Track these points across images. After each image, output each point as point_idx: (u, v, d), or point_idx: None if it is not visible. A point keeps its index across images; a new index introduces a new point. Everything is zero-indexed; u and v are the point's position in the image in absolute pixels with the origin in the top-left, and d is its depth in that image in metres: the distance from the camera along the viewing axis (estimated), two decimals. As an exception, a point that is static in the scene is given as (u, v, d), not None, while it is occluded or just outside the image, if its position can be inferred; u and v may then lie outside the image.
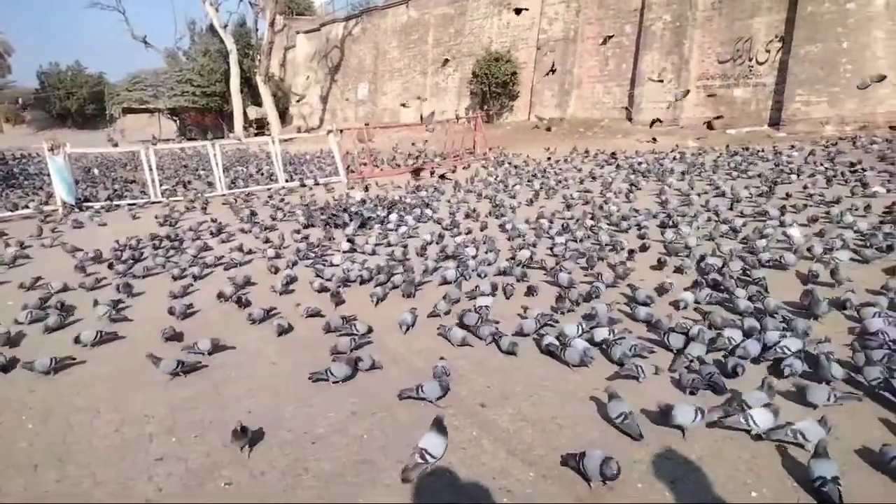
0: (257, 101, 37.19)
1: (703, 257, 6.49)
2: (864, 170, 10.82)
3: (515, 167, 15.67)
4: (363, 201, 11.33)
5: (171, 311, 5.53)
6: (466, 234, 8.45)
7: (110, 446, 3.48)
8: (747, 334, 4.40)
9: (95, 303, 5.69)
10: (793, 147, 14.33)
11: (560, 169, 14.75)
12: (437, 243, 7.94)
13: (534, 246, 7.47)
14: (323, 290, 6.17)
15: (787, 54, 16.98)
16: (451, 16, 28.92)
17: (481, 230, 8.88)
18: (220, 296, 6.06)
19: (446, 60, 29.03)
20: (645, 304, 5.21)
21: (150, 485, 3.11)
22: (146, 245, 8.63)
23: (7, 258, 8.00)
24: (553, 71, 20.53)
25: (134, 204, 12.99)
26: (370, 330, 5.02)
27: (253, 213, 10.78)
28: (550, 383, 4.04)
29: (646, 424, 3.44)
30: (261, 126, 36.93)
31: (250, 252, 8.00)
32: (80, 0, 49.03)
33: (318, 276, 6.57)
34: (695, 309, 5.23)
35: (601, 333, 4.53)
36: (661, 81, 19.39)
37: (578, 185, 12.20)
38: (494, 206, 10.40)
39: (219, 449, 3.39)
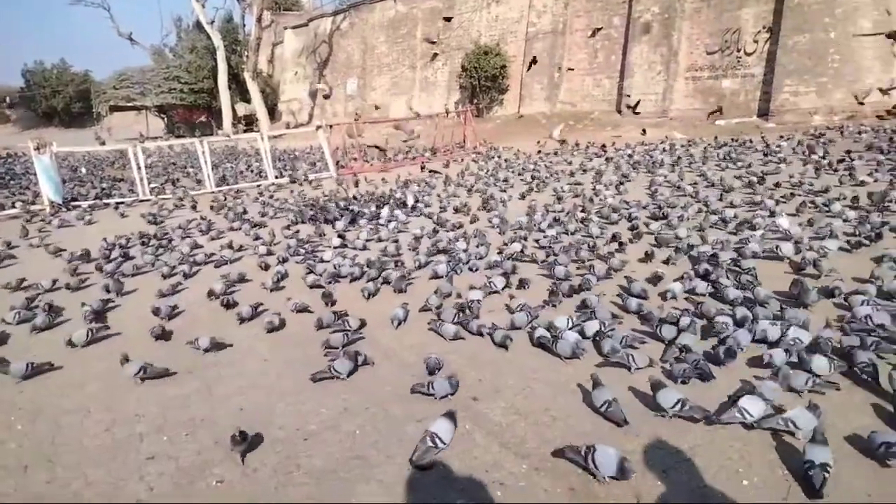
0: (246, 98, 36.95)
1: (691, 247, 6.53)
2: (852, 159, 10.89)
3: (506, 161, 15.66)
4: (352, 198, 11.22)
5: (155, 312, 5.47)
6: (457, 228, 8.43)
7: (101, 446, 3.46)
8: (739, 324, 4.42)
9: (84, 305, 5.65)
10: (781, 137, 14.39)
11: (550, 162, 14.75)
12: (428, 238, 7.93)
13: (524, 239, 7.47)
14: (315, 286, 6.15)
15: (775, 45, 17.04)
16: (439, 9, 28.80)
17: (471, 222, 8.89)
18: (211, 294, 6.02)
19: (435, 55, 28.93)
20: (638, 297, 5.23)
21: (141, 484, 3.09)
22: (135, 244, 8.56)
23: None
24: (534, 61, 20.43)
25: (122, 202, 12.89)
26: (362, 325, 5.01)
27: (244, 211, 10.71)
28: (542, 376, 4.04)
29: (638, 415, 3.45)
30: (249, 122, 36.68)
31: (241, 249, 7.96)
32: (64, -3, 48.42)
33: (310, 271, 6.55)
34: (685, 299, 5.26)
35: (592, 326, 4.54)
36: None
37: (569, 178, 12.20)
38: (485, 199, 10.40)
39: (210, 447, 3.37)
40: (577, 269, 6.32)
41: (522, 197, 10.60)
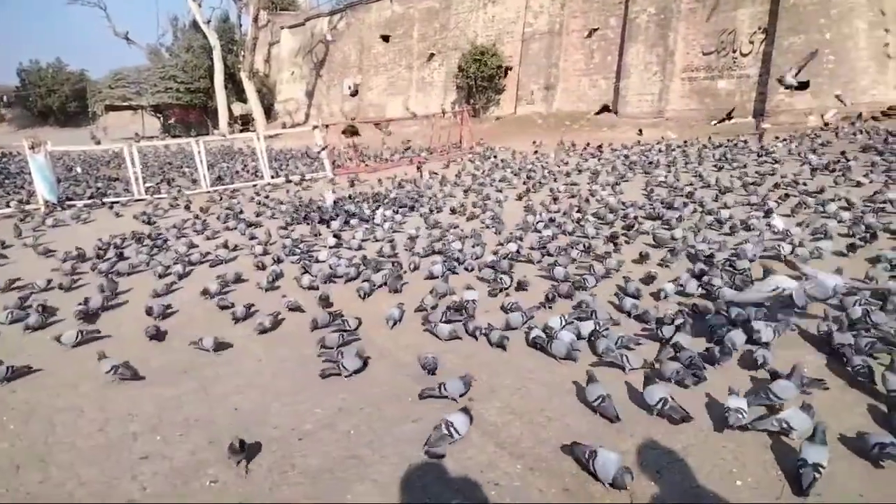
0: (242, 98, 36.90)
1: (692, 246, 6.55)
2: (847, 160, 10.92)
3: (502, 161, 15.66)
4: (336, 202, 11.04)
5: (148, 312, 5.45)
6: (453, 228, 8.43)
7: (94, 446, 3.44)
8: (733, 323, 4.43)
9: (81, 304, 5.62)
10: (777, 138, 14.43)
11: (546, 162, 14.76)
12: (423, 238, 7.92)
13: (520, 239, 7.47)
14: (310, 287, 6.14)
15: (770, 45, 17.09)
16: (435, 10, 28.81)
17: (468, 220, 8.89)
18: (205, 292, 6.00)
19: (432, 55, 28.93)
20: (633, 297, 5.24)
21: (134, 484, 3.08)
22: (130, 243, 8.54)
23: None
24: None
25: (117, 202, 12.85)
26: (359, 325, 5.01)
27: (241, 211, 10.68)
28: (538, 376, 4.04)
29: (632, 414, 3.46)
30: (246, 122, 36.64)
31: (236, 248, 7.94)
32: (60, -4, 48.40)
33: (305, 271, 6.53)
34: (678, 303, 5.26)
35: (588, 326, 4.54)
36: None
37: (565, 179, 12.21)
38: (481, 200, 10.39)
39: (204, 447, 3.36)
40: (577, 269, 6.32)
41: (519, 198, 10.60)
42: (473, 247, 7.18)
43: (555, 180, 12.06)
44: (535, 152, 16.61)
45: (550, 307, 5.25)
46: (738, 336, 4.17)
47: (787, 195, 8.95)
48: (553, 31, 23.32)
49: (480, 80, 24.73)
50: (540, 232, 7.79)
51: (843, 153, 11.45)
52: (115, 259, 7.53)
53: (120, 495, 3.00)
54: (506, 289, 5.76)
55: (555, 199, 9.92)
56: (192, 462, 3.24)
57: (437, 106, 25.74)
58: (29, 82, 53.22)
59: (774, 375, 3.65)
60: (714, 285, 5.26)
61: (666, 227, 7.57)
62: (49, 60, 54.74)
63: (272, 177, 15.29)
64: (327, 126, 18.62)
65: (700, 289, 5.36)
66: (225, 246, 7.87)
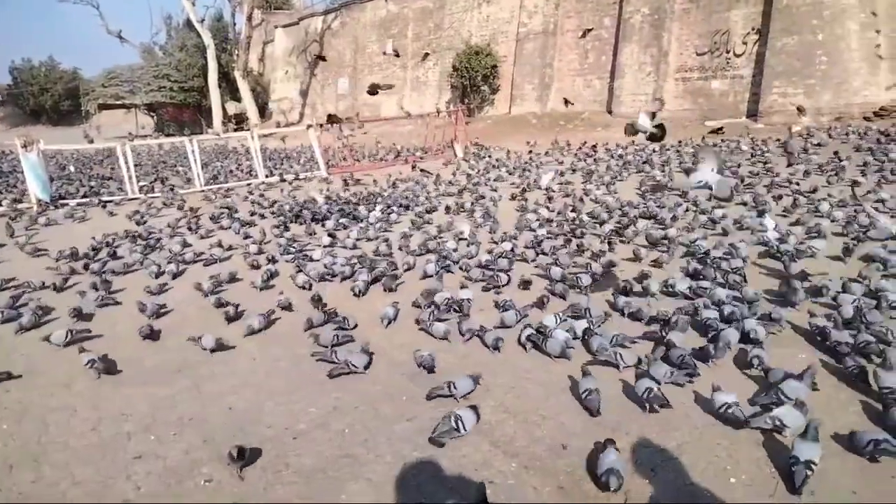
0: (236, 97, 36.75)
1: (688, 245, 6.58)
2: (840, 160, 10.97)
3: (497, 160, 15.67)
4: (328, 200, 10.98)
5: (141, 310, 5.43)
6: (448, 227, 8.42)
7: (88, 445, 3.43)
8: (726, 320, 4.45)
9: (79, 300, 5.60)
10: (770, 138, 14.47)
11: (541, 162, 14.77)
12: (418, 237, 7.91)
13: (515, 239, 7.47)
14: (304, 287, 6.12)
15: (763, 46, 17.14)
16: (430, 9, 28.78)
17: (462, 215, 8.90)
18: (199, 288, 5.98)
19: (426, 54, 28.91)
20: (626, 294, 5.25)
21: (128, 483, 3.07)
22: (122, 242, 8.49)
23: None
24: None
25: (111, 201, 12.77)
26: (354, 326, 5.00)
27: (235, 210, 10.64)
28: (534, 375, 4.05)
29: (626, 412, 3.47)
30: (240, 121, 36.48)
31: (230, 248, 7.92)
32: (53, -6, 48.04)
33: (299, 270, 6.51)
34: (668, 293, 5.30)
35: (582, 325, 4.55)
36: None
37: (559, 178, 12.21)
38: (476, 199, 10.39)
39: (198, 446, 3.35)
40: (574, 267, 6.31)
41: (513, 197, 10.60)
42: (468, 246, 7.18)
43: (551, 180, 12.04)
44: (530, 152, 16.61)
45: (542, 308, 5.24)
46: (731, 334, 4.18)
47: (780, 196, 8.98)
48: (547, 31, 23.33)
49: (475, 79, 24.73)
50: (535, 231, 7.80)
51: (835, 153, 11.50)
52: (107, 258, 7.49)
53: (114, 495, 2.99)
54: (502, 286, 5.76)
55: (549, 199, 9.93)
56: (186, 461, 3.23)
57: (431, 105, 25.70)
58: (21, 80, 52.81)
59: (767, 373, 3.67)
60: (706, 286, 5.28)
61: (660, 226, 7.60)
62: (42, 59, 54.44)
63: (266, 176, 15.25)
64: (321, 125, 18.55)
65: (692, 286, 5.38)
66: (219, 245, 7.84)
